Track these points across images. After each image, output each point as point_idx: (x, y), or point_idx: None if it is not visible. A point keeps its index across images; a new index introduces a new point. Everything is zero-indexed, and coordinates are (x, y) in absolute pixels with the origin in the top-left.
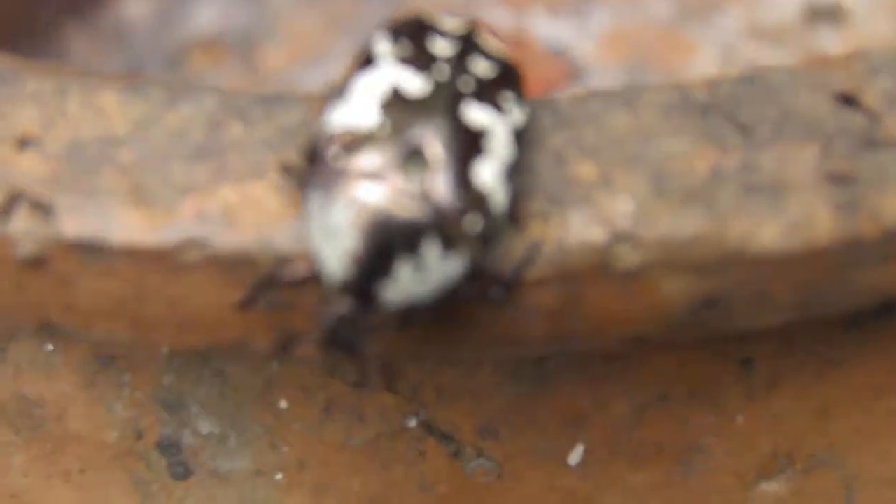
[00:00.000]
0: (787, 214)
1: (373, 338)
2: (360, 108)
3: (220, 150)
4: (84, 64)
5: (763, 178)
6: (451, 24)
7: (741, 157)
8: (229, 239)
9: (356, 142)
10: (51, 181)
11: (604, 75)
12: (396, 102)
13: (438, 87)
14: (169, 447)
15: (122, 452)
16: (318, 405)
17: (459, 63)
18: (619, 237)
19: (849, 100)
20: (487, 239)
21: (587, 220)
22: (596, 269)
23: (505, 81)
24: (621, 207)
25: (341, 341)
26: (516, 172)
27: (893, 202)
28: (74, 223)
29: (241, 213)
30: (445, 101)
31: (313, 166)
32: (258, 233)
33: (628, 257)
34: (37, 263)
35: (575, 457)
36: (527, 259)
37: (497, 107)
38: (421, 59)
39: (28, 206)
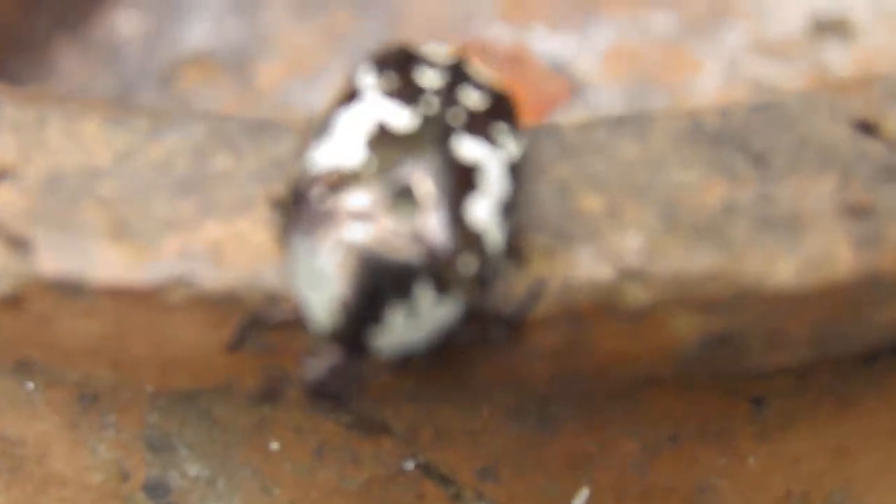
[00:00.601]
0: (804, 249)
1: (363, 387)
2: (344, 146)
3: (206, 183)
4: (75, 81)
5: (778, 211)
6: (439, 53)
7: (755, 189)
8: (215, 277)
9: (342, 181)
10: (28, 215)
11: (605, 92)
12: (383, 138)
13: (427, 121)
14: (156, 489)
15: (107, 494)
16: (311, 446)
17: (449, 94)
18: (628, 274)
19: (868, 127)
20: (484, 280)
21: (594, 257)
22: (603, 307)
23: (498, 112)
24: (630, 243)
25: (330, 392)
26: (512, 208)
27: None
28: (53, 260)
29: (228, 249)
30: (435, 135)
31: (296, 208)
32: (246, 270)
33: (637, 295)
34: (13, 301)
35: (580, 501)
36: (530, 298)
37: (490, 140)
38: (408, 92)
39: (4, 241)
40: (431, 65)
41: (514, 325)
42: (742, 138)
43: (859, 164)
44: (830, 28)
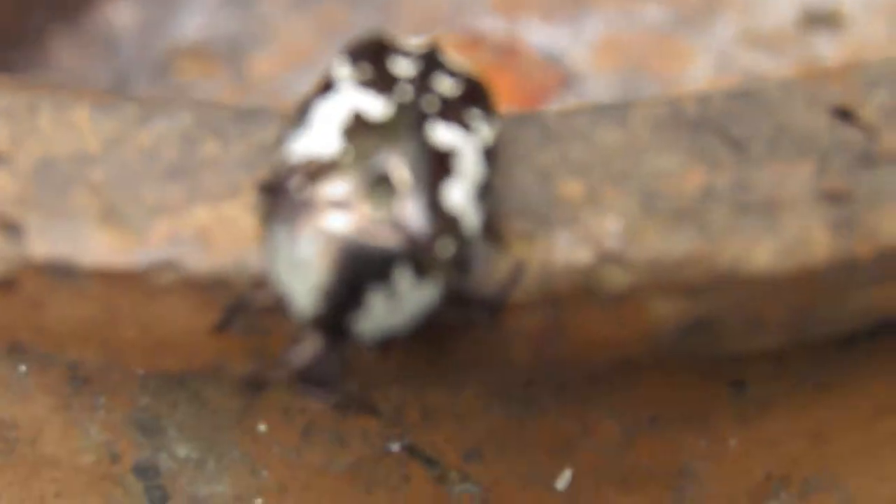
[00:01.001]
0: (781, 234)
1: (348, 372)
2: (321, 136)
3: (195, 169)
4: (70, 72)
5: (756, 197)
6: (413, 43)
7: (734, 175)
8: (203, 261)
9: (320, 171)
10: (20, 200)
11: (598, 83)
12: (359, 127)
13: (402, 109)
14: (146, 471)
15: (99, 476)
16: (298, 428)
17: (423, 83)
18: (607, 258)
19: (845, 114)
20: (461, 263)
21: (574, 241)
22: (582, 291)
23: (471, 98)
24: (609, 227)
25: (315, 378)
26: (489, 191)
27: (891, 221)
28: (44, 244)
29: (216, 233)
30: (410, 122)
31: (275, 199)
32: (233, 254)
33: (616, 279)
34: (5, 285)
35: (563, 482)
36: (512, 280)
37: (464, 125)
38: (382, 82)
39: None
40: (405, 54)
41: (495, 307)
42: (721, 125)
43: (837, 151)
44: (820, 20)
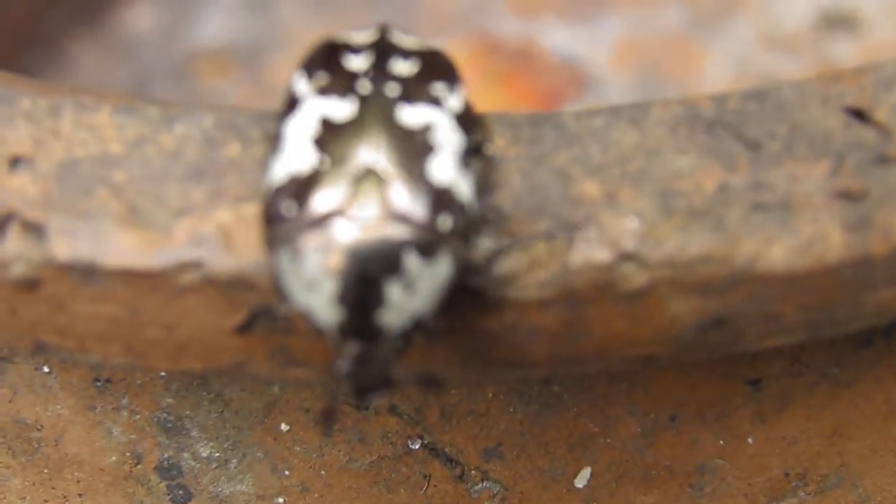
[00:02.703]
0: (797, 233)
1: (397, 363)
2: (297, 153)
3: (217, 171)
4: (90, 76)
5: (772, 196)
6: (361, 36)
7: (749, 175)
8: (225, 261)
9: (304, 187)
10: (43, 202)
11: (616, 85)
12: (330, 133)
13: (365, 103)
14: (169, 471)
15: (122, 476)
16: (320, 428)
17: (379, 71)
18: (624, 257)
19: (860, 115)
20: (464, 231)
21: (591, 240)
22: (600, 289)
23: (431, 73)
24: (627, 227)
25: (369, 382)
26: (471, 155)
27: None
28: (67, 245)
29: (237, 234)
30: (376, 113)
31: (272, 226)
32: (254, 254)
33: (634, 277)
34: (29, 286)
35: (582, 479)
36: (498, 251)
37: (431, 100)
38: (340, 83)
39: (20, 227)
40: (356, 49)
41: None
42: (737, 126)
43: (851, 151)
44: (838, 22)
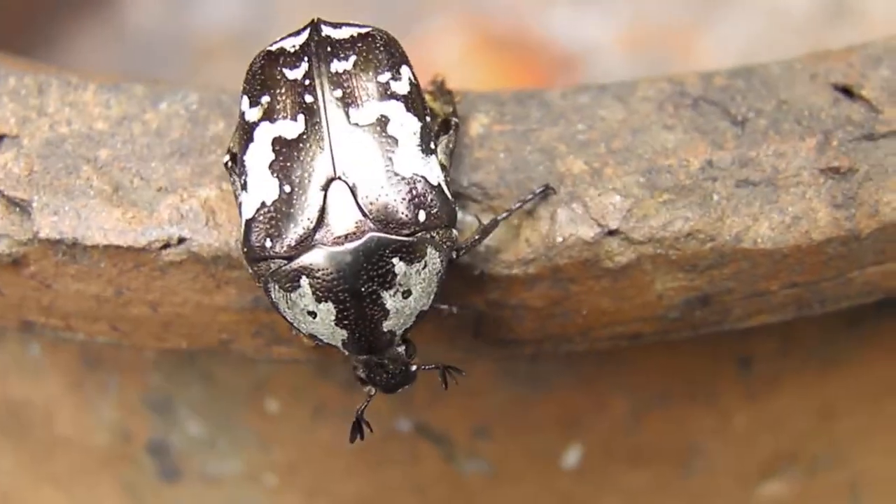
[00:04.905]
0: (783, 210)
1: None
2: (259, 183)
3: (202, 148)
4: (91, 64)
5: (758, 173)
6: (292, 40)
7: (736, 151)
8: (210, 238)
9: (274, 218)
10: (28, 179)
11: (622, 69)
12: (286, 155)
13: (314, 113)
14: (158, 450)
15: (111, 455)
16: (309, 407)
17: (318, 75)
18: (610, 233)
19: (848, 91)
20: (445, 217)
21: (576, 217)
22: (586, 266)
23: (371, 64)
24: (611, 203)
25: (390, 383)
26: (431, 132)
27: (892, 196)
28: (51, 223)
29: (222, 211)
30: (328, 120)
31: (254, 265)
32: (238, 231)
33: (619, 254)
34: (13, 263)
35: (572, 458)
36: (485, 232)
37: (378, 93)
38: (284, 103)
39: (4, 204)
40: (291, 56)
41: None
42: (723, 102)
43: (839, 127)
44: (845, 10)
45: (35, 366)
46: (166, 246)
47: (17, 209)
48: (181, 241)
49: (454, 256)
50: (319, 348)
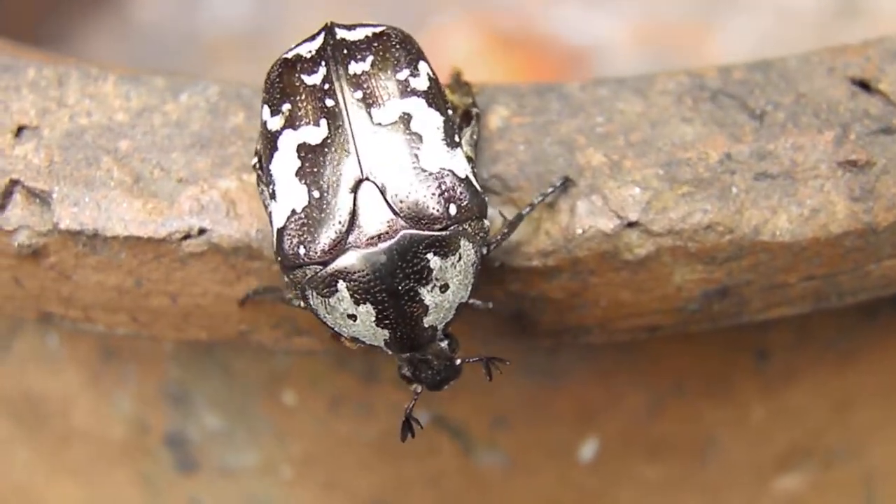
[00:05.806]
0: (802, 203)
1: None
2: (288, 191)
3: (222, 140)
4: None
5: (777, 166)
6: (308, 45)
7: (754, 144)
8: (230, 229)
9: (306, 225)
10: (48, 171)
11: (631, 66)
12: (312, 161)
13: (336, 117)
14: (175, 442)
15: (128, 447)
16: (326, 399)
17: (336, 78)
18: (629, 225)
19: (865, 85)
20: (476, 208)
21: (596, 209)
22: (605, 258)
23: (388, 63)
24: (631, 196)
25: (436, 378)
26: (454, 125)
27: None
28: (72, 214)
29: (242, 202)
30: (351, 122)
31: (289, 273)
32: (257, 222)
33: (638, 246)
34: (34, 254)
35: (589, 451)
36: (510, 227)
37: (399, 90)
38: (306, 109)
39: (24, 195)
40: (308, 62)
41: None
42: (742, 95)
43: (856, 121)
44: (854, 8)
45: (53, 357)
46: (187, 237)
47: (38, 200)
48: (201, 231)
49: (485, 252)
50: (337, 339)
